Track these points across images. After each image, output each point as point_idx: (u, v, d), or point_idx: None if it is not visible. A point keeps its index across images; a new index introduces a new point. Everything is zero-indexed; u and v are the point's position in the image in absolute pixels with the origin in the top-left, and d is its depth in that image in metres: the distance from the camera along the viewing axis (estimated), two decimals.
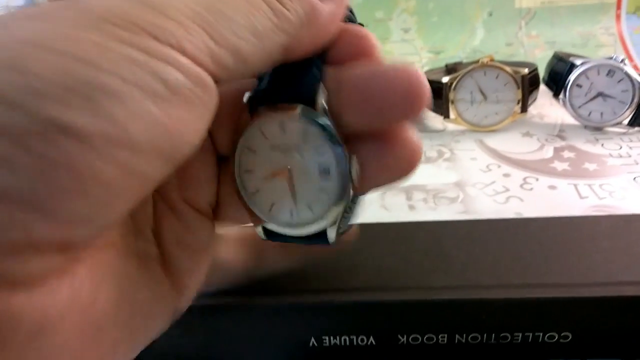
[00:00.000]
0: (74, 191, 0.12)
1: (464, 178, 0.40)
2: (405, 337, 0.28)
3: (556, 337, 0.28)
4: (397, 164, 0.18)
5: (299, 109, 0.18)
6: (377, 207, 0.34)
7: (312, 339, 0.29)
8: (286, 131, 0.18)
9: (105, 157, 0.12)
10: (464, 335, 0.28)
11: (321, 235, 0.19)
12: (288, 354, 0.29)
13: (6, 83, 0.12)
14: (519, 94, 0.48)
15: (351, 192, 0.18)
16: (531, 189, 0.38)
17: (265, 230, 0.20)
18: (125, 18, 0.13)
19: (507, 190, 0.38)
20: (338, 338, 0.29)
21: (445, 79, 0.49)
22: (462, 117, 0.49)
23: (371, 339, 0.28)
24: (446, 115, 0.49)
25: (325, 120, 0.17)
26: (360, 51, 0.18)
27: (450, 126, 0.51)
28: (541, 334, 0.28)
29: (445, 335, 0.28)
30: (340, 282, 0.29)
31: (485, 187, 0.39)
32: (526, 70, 0.48)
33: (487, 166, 0.42)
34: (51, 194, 0.12)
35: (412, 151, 0.18)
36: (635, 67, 0.69)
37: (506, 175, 0.41)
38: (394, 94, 0.16)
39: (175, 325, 0.29)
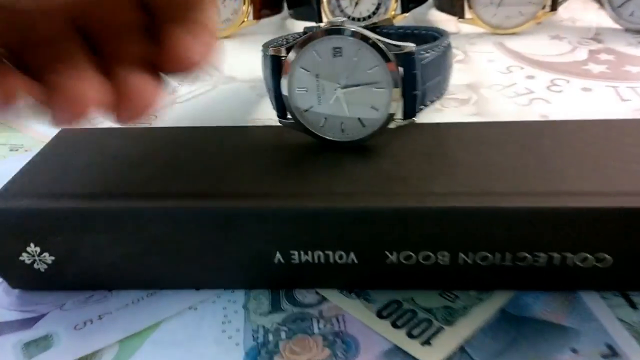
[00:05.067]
0: None
1: (479, 80, 0.34)
2: (395, 254, 0.22)
3: (589, 259, 0.22)
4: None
5: None
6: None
7: (278, 254, 0.23)
8: None
9: None
10: (471, 254, 0.22)
11: None
12: (246, 272, 0.23)
13: None
14: None
15: None
16: (560, 91, 0.31)
17: None
18: None
19: (531, 92, 0.32)
20: (310, 253, 0.23)
21: None
22: (480, 17, 0.42)
23: (352, 256, 0.23)
24: (461, 16, 0.42)
25: None
26: None
27: (465, 28, 0.43)
28: (570, 255, 0.22)
29: (447, 254, 0.22)
30: (315, 186, 0.23)
31: (503, 88, 0.32)
32: None
33: (508, 68, 0.35)
34: None
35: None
36: None
37: (530, 77, 0.34)
38: None
39: (103, 231, 0.23)
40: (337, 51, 0.25)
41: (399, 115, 0.25)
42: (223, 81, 0.35)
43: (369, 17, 0.42)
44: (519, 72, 0.34)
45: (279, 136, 0.28)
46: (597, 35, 0.40)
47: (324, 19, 0.42)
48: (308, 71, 0.25)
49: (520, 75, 0.34)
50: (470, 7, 0.42)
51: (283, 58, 0.25)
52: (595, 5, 0.48)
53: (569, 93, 0.31)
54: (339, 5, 0.41)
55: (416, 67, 0.25)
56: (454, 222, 0.22)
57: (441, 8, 0.45)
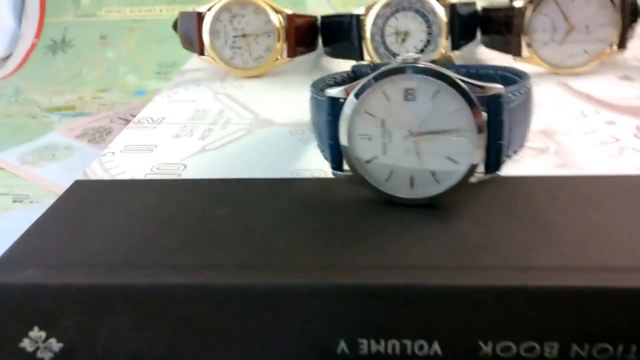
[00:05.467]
0: None
1: (552, 125, 0.30)
2: (490, 345, 0.18)
3: None
4: None
5: None
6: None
7: (342, 343, 0.18)
8: None
9: None
10: (587, 345, 0.18)
11: None
12: None
13: None
14: (618, 23, 0.37)
15: None
16: None
17: None
18: None
19: (617, 140, 0.28)
20: (383, 343, 0.18)
21: (518, 3, 0.38)
22: (539, 54, 0.38)
23: (435, 346, 0.18)
24: (517, 54, 0.39)
25: None
26: None
27: (521, 67, 0.40)
28: None
29: (556, 346, 0.18)
30: (386, 256, 0.19)
31: (584, 136, 0.28)
32: None
33: (582, 112, 0.32)
34: None
35: None
36: None
37: (610, 122, 0.30)
38: None
39: (124, 312, 0.19)
40: (409, 93, 0.21)
41: (480, 168, 0.22)
42: (259, 125, 0.32)
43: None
44: (595, 117, 0.31)
45: (332, 191, 0.24)
46: None
47: (366, 57, 0.39)
48: (373, 116, 0.21)
49: (598, 121, 0.30)
50: (528, 44, 0.38)
51: (342, 100, 0.22)
52: None
53: None
54: (384, 42, 0.38)
55: (504, 112, 0.21)
56: (565, 305, 0.18)
57: (492, 46, 0.42)
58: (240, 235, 0.21)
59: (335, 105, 0.22)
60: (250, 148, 0.29)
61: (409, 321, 0.18)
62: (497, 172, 0.22)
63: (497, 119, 0.21)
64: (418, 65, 0.21)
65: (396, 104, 0.21)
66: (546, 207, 0.22)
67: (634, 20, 0.40)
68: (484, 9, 0.44)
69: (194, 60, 0.47)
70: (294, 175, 0.26)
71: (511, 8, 0.40)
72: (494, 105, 0.21)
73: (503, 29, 0.41)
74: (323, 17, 0.43)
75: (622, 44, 0.38)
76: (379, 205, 0.23)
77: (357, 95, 0.21)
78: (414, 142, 0.22)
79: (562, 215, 0.22)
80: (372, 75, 0.21)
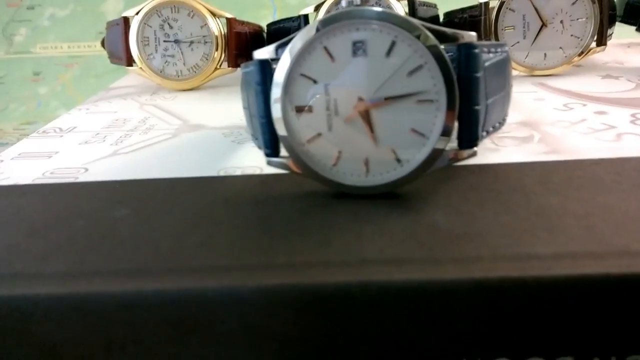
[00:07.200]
0: None
1: (534, 117, 0.27)
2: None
3: None
4: None
5: None
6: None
7: None
8: None
9: None
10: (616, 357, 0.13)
11: None
12: None
13: None
14: (596, 17, 0.34)
15: None
16: None
17: None
18: None
19: (612, 127, 0.24)
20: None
21: None
22: (511, 56, 0.35)
23: None
24: None
25: None
26: None
27: None
28: None
29: None
30: (334, 252, 0.15)
31: (572, 125, 0.25)
32: None
33: (566, 105, 0.29)
34: None
35: None
36: None
37: (600, 112, 0.27)
38: None
39: None
40: (358, 47, 0.17)
41: (452, 143, 0.18)
42: (187, 129, 0.27)
43: None
44: (582, 109, 0.27)
45: (267, 187, 0.20)
46: None
47: None
48: (313, 80, 0.17)
49: (586, 112, 0.27)
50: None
51: (274, 63, 0.18)
52: (638, 49, 0.43)
53: None
54: None
55: (479, 68, 0.17)
56: (577, 299, 0.13)
57: None
58: (140, 238, 0.16)
59: (266, 71, 0.18)
60: (173, 150, 0.24)
61: (364, 330, 0.14)
62: (473, 148, 0.18)
63: (471, 76, 0.17)
64: (368, 8, 0.17)
65: (342, 63, 0.17)
66: (538, 192, 0.18)
67: (613, 16, 0.38)
68: (446, 14, 0.41)
69: (126, 78, 0.43)
70: (222, 174, 0.21)
71: (476, 6, 0.37)
72: (466, 58, 0.17)
73: (469, 30, 0.38)
74: (269, 25, 0.40)
75: (601, 41, 0.36)
76: (325, 197, 0.18)
77: (291, 54, 0.17)
78: (368, 112, 0.18)
79: (559, 199, 0.18)
80: (308, 26, 0.17)
